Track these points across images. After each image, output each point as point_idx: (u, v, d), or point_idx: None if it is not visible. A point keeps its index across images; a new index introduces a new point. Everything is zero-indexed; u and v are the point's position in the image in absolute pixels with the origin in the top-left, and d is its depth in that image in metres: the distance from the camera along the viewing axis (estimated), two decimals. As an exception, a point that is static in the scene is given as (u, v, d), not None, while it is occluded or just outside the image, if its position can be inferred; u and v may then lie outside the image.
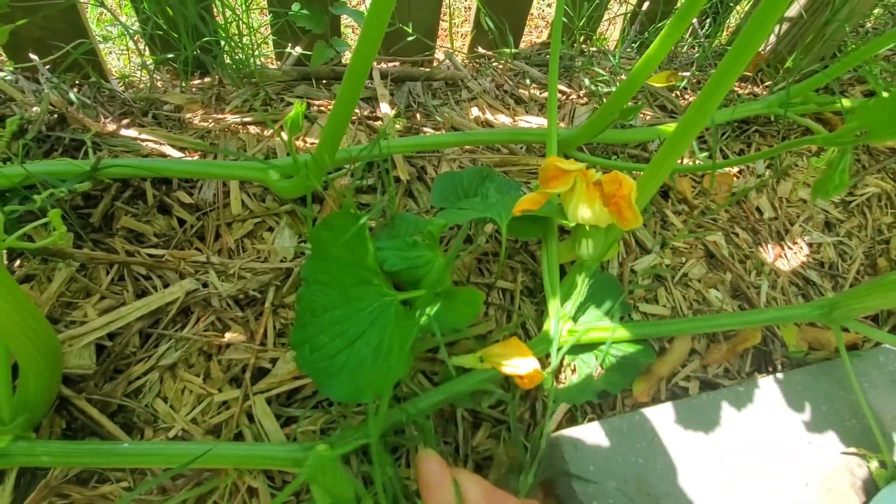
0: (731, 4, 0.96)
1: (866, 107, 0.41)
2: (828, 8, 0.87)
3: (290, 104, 0.73)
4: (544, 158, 0.65)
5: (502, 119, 0.80)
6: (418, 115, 0.76)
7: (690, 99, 0.89)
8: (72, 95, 0.67)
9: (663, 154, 0.48)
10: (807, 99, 0.75)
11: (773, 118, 0.83)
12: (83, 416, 0.49)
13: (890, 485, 0.51)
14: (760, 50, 0.96)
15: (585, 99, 0.85)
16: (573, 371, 0.58)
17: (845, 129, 0.42)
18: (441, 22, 0.92)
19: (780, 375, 0.57)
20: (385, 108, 0.74)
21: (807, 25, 0.89)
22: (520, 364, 0.51)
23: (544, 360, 0.57)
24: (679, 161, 0.77)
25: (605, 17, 0.98)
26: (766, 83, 0.95)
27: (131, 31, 0.70)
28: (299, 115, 0.52)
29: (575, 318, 0.58)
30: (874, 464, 0.54)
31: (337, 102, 0.49)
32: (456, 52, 0.91)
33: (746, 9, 0.99)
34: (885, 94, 0.38)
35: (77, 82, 0.74)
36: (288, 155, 0.64)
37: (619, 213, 0.48)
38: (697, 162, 0.75)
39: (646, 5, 0.97)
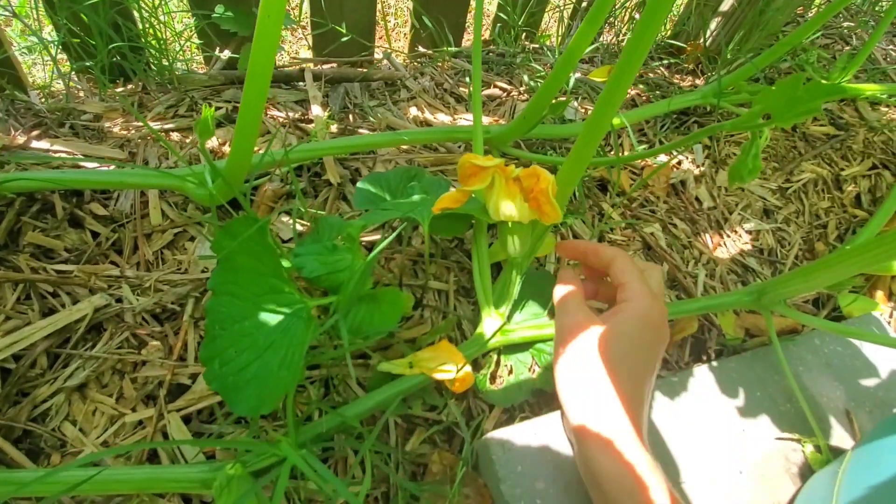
0: None
1: (768, 92, 0.41)
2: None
3: (218, 109, 0.71)
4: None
5: (441, 118, 0.79)
6: (353, 117, 0.75)
7: (632, 92, 0.90)
8: (-19, 108, 0.64)
9: (579, 147, 0.47)
10: (739, 88, 0.76)
11: (709, 109, 0.84)
12: (-17, 445, 0.46)
13: (823, 469, 0.51)
14: (700, 42, 0.97)
15: (526, 95, 0.85)
16: (510, 371, 0.57)
17: (750, 114, 0.42)
18: (381, 21, 0.90)
19: (714, 363, 0.57)
20: (317, 111, 0.72)
21: (742, 16, 0.90)
22: (450, 368, 0.50)
23: (481, 359, 0.56)
24: (619, 154, 0.77)
25: (547, 12, 0.98)
26: (707, 75, 0.96)
27: (44, 42, 0.67)
28: (208, 119, 0.50)
29: (510, 317, 0.57)
30: (808, 448, 0.54)
31: (242, 105, 0.47)
32: (396, 52, 0.90)
33: (684, 2, 1.00)
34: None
35: (-8, 95, 0.70)
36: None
37: (539, 208, 0.48)
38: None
39: (584, 3, 0.97)
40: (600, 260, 0.47)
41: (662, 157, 0.79)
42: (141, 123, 0.66)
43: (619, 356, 0.40)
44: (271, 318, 0.43)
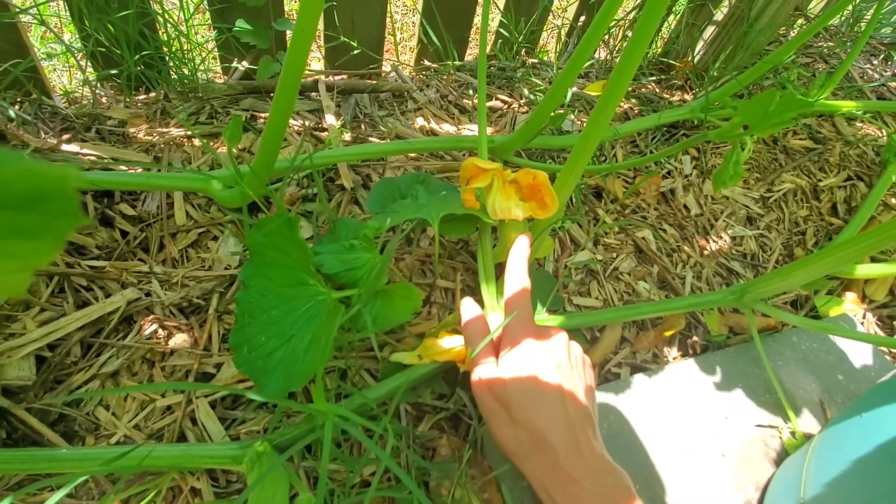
0: (658, 18, 1.03)
1: (746, 105, 0.46)
2: (745, 21, 0.95)
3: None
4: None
5: (447, 128, 0.84)
6: (364, 126, 0.79)
7: (625, 106, 0.95)
8: (11, 112, 0.68)
9: (575, 154, 0.52)
10: (724, 104, 0.81)
11: (697, 122, 0.90)
12: (23, 426, 0.49)
13: (797, 451, 0.56)
14: (689, 60, 1.03)
15: (526, 108, 0.90)
16: (511, 363, 0.61)
17: (731, 125, 0.47)
18: (389, 35, 0.95)
19: (700, 357, 0.62)
20: (331, 120, 0.76)
21: (728, 36, 0.97)
22: (457, 351, 0.54)
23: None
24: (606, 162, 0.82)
25: (545, 30, 1.04)
26: (695, 90, 1.02)
27: (73, 49, 0.71)
28: (237, 126, 0.55)
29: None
30: (785, 434, 0.58)
31: (271, 113, 0.51)
32: (403, 65, 0.95)
33: (674, 23, 1.06)
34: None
35: (18, 100, 0.74)
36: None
37: (541, 200, 0.52)
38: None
39: (582, 19, 1.03)
40: None
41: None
42: (165, 129, 0.70)
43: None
44: (298, 308, 0.47)
